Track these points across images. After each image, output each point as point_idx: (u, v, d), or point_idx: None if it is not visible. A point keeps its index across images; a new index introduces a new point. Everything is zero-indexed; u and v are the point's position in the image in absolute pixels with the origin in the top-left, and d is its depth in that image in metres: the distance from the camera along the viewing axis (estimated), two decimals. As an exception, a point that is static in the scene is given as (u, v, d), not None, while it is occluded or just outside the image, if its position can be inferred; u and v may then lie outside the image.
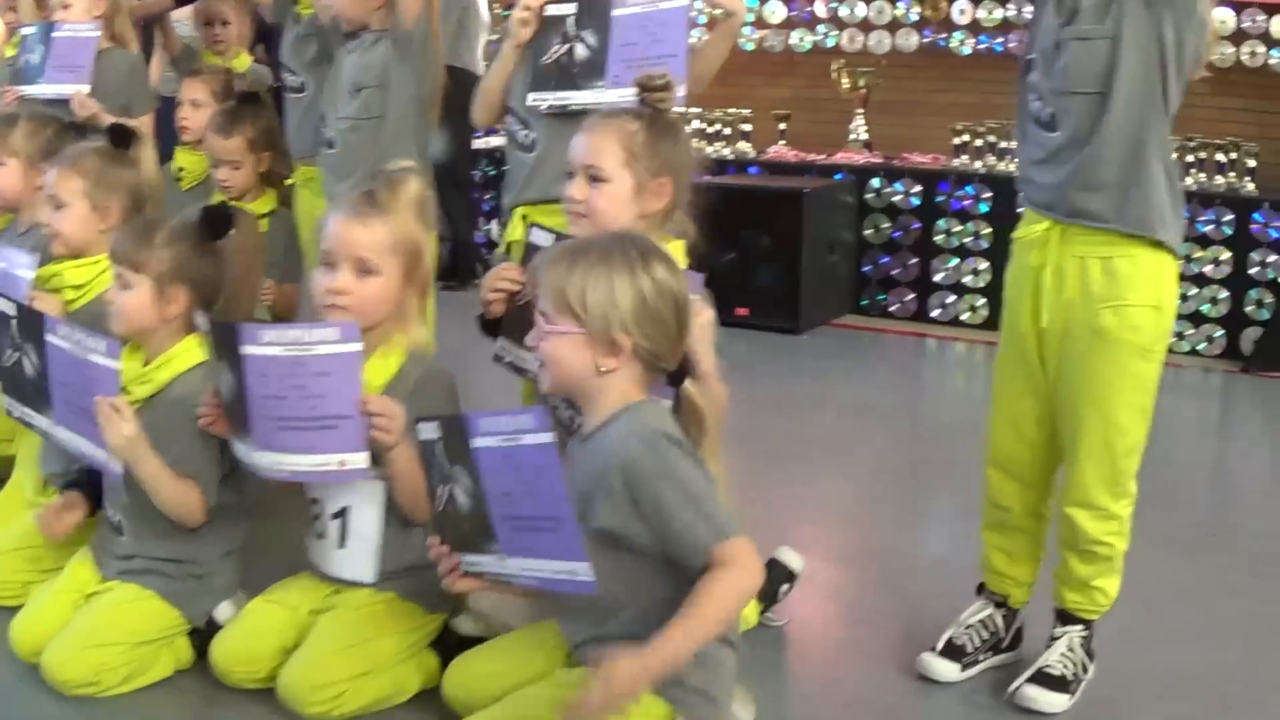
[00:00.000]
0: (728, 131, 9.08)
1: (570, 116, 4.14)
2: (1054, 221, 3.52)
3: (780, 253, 7.93)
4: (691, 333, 3.19)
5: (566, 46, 4.30)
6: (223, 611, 3.88)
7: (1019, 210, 3.83)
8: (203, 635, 3.85)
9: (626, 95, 3.91)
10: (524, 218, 4.31)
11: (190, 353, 3.85)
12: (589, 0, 4.33)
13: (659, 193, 3.67)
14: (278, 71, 5.62)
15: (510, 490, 2.92)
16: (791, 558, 4.14)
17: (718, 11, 4.33)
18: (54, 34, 5.68)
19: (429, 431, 3.07)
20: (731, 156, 8.94)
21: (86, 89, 5.55)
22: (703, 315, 3.36)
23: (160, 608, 3.80)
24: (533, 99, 4.32)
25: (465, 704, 3.39)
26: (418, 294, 3.68)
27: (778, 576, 4.07)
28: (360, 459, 3.39)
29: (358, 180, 4.65)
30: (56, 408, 3.90)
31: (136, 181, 4.38)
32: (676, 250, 3.59)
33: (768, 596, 4.05)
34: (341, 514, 3.64)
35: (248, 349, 3.38)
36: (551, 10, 4.35)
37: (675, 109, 3.86)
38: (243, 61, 6.31)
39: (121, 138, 4.42)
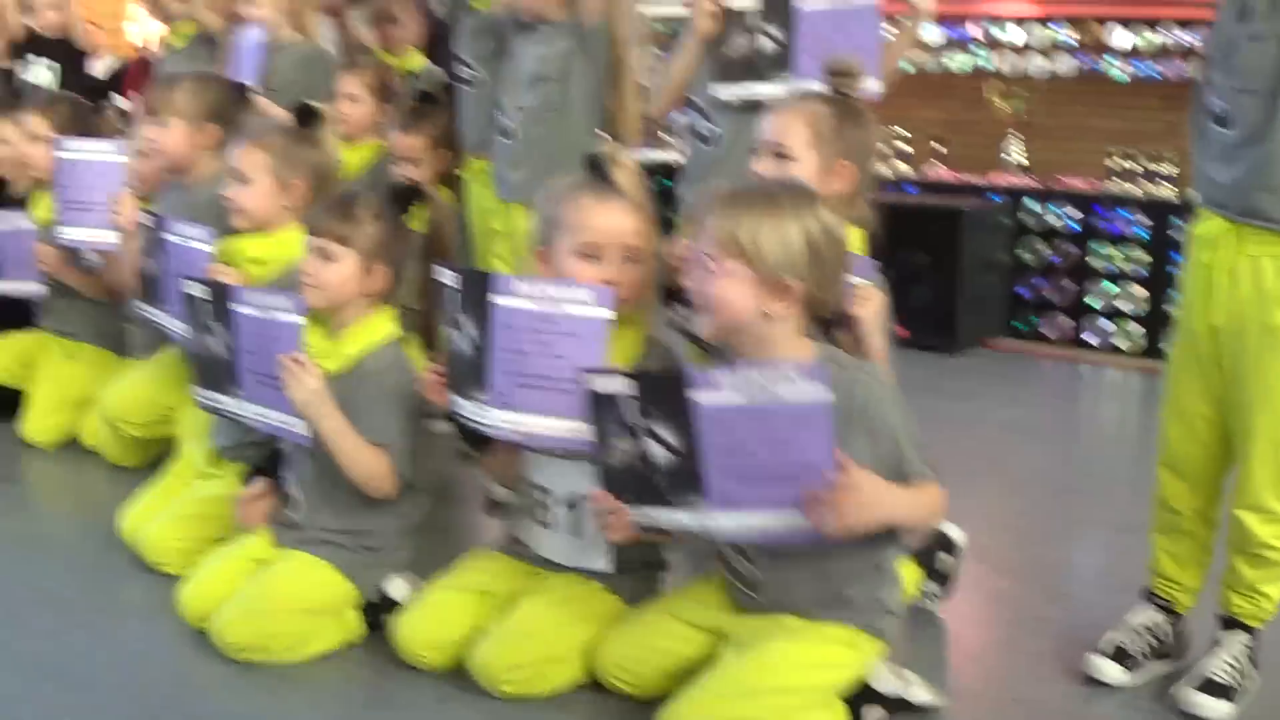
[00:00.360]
0: (885, 150, 9.05)
1: (752, 109, 4.19)
2: (1228, 220, 3.49)
3: (937, 272, 7.90)
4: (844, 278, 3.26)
5: (750, 39, 4.34)
6: (396, 588, 3.92)
7: (1169, 234, 3.80)
8: (373, 609, 3.91)
9: (813, 88, 3.95)
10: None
11: (380, 327, 3.93)
12: None
13: (842, 175, 3.74)
14: (449, 66, 5.68)
15: (753, 450, 2.95)
16: (953, 530, 4.12)
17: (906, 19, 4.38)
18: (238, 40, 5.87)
19: (613, 385, 3.11)
20: (890, 175, 8.91)
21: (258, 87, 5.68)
22: (874, 300, 3.41)
23: (333, 578, 3.85)
24: (717, 90, 4.37)
25: (625, 674, 3.44)
26: (653, 274, 3.67)
27: (935, 542, 4.06)
28: None
29: (532, 171, 4.74)
30: (245, 382, 3.96)
31: (320, 160, 4.48)
32: (855, 238, 3.62)
33: (925, 561, 4.04)
34: (575, 503, 3.61)
35: (499, 299, 3.39)
36: (734, 4, 4.40)
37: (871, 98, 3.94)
38: (416, 61, 6.34)
39: (306, 117, 4.50)
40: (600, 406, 3.13)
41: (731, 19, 4.43)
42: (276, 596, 3.79)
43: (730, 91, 4.43)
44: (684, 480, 3.05)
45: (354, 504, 3.89)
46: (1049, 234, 8.35)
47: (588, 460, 3.30)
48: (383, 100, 5.77)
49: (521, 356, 3.39)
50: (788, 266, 3.10)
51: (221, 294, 3.96)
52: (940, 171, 8.88)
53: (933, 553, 4.08)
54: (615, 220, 3.57)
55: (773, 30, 4.37)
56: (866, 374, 3.19)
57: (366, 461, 3.81)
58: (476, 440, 3.75)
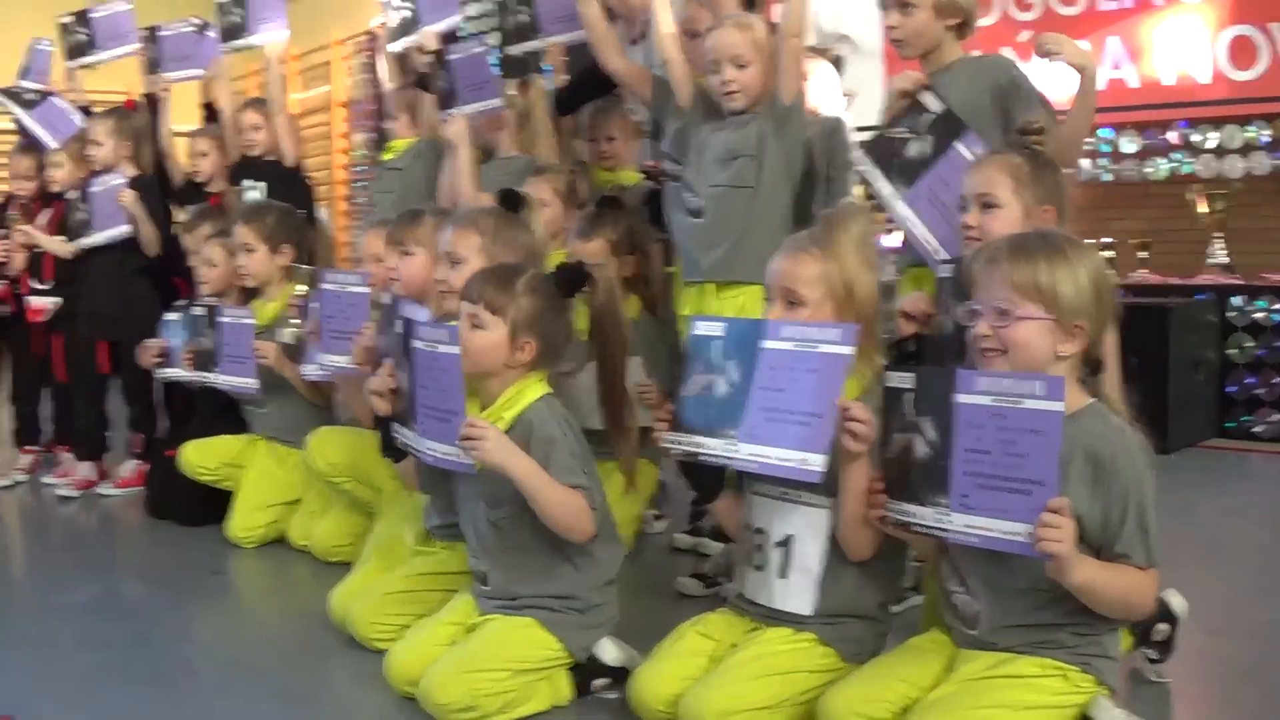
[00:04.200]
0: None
1: None
2: None
3: (1146, 373, 7.72)
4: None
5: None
6: (607, 651, 3.92)
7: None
8: (582, 672, 3.91)
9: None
10: (914, 279, 4.51)
11: (532, 389, 3.95)
12: None
13: (1045, 219, 3.85)
14: (659, 174, 5.75)
15: (989, 449, 3.04)
16: (1176, 599, 4.03)
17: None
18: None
19: (901, 381, 3.24)
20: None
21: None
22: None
23: (542, 637, 3.85)
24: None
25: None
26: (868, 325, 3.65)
27: (1156, 613, 3.96)
28: (819, 461, 3.38)
29: (725, 252, 4.76)
30: (419, 416, 4.02)
31: (530, 243, 4.51)
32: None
33: (1144, 632, 3.95)
34: (785, 543, 3.64)
35: (766, 343, 3.54)
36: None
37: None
38: (631, 177, 6.43)
39: (512, 202, 4.58)
40: (890, 401, 3.27)
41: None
42: (487, 656, 3.78)
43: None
44: (935, 479, 3.15)
45: (542, 569, 3.92)
46: (1255, 329, 8.23)
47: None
48: (571, 206, 5.84)
49: (775, 393, 3.50)
50: (1080, 308, 3.17)
51: (408, 329, 4.01)
52: (1145, 275, 8.78)
53: (1151, 622, 3.98)
54: (784, 267, 3.71)
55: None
56: (1126, 438, 3.18)
57: (566, 501, 3.79)
58: (706, 485, 3.85)
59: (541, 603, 3.91)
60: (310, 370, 5.74)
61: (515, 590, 3.95)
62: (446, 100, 6.42)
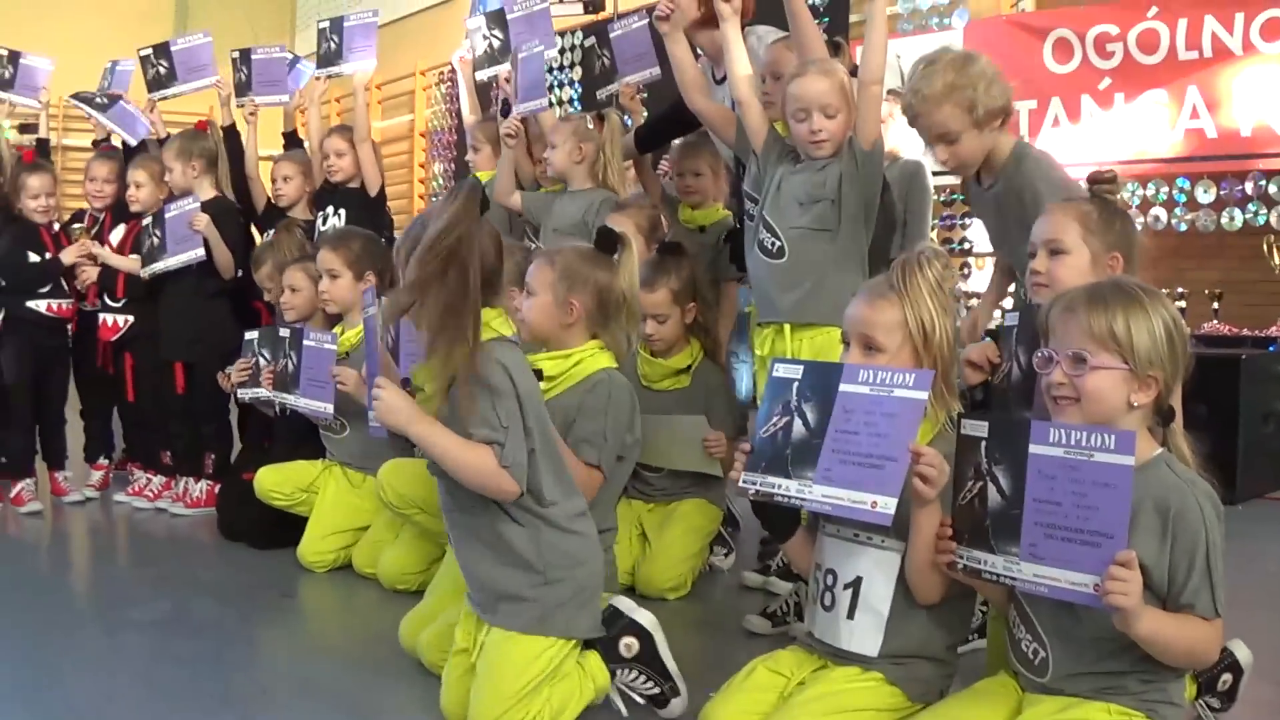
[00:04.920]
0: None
1: None
2: None
3: (1215, 423, 7.68)
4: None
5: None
6: (627, 609, 4.03)
7: None
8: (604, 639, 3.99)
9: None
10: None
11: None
12: None
13: (1112, 266, 3.87)
14: (739, 204, 5.76)
15: (1059, 500, 3.07)
16: (1241, 650, 4.03)
17: None
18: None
19: (975, 429, 3.28)
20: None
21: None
22: None
23: (531, 643, 3.86)
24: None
25: None
26: (944, 370, 3.69)
27: (1221, 662, 3.96)
28: (890, 504, 3.38)
29: (805, 293, 4.80)
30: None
31: (608, 283, 4.52)
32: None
33: (1208, 681, 3.95)
34: (855, 584, 3.66)
35: (844, 387, 3.58)
36: None
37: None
38: (716, 213, 6.50)
39: (606, 241, 4.63)
40: (964, 448, 3.30)
41: None
42: (498, 692, 3.78)
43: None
44: (1006, 527, 3.18)
45: (491, 533, 3.87)
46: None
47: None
48: (653, 242, 5.87)
49: (850, 436, 3.52)
50: (1155, 359, 3.17)
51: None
52: (1217, 327, 8.75)
53: (1215, 670, 3.99)
54: (861, 313, 3.74)
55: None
56: (1195, 488, 3.16)
57: (469, 460, 3.73)
58: (779, 525, 3.89)
59: (513, 596, 3.88)
60: None
61: (480, 574, 3.94)
62: (508, 107, 6.59)
